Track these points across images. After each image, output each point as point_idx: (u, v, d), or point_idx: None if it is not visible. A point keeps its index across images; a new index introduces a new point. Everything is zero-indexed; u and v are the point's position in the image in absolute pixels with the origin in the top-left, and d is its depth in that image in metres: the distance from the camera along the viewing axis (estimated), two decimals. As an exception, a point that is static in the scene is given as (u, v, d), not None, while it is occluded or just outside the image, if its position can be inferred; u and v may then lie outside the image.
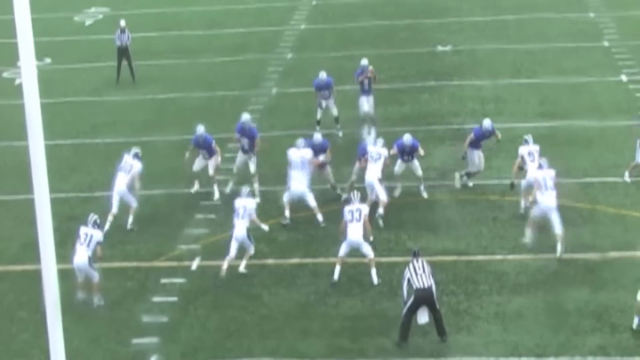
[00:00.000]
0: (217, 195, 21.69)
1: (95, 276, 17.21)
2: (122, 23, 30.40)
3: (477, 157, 21.56)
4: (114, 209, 20.38)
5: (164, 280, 18.11)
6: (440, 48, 31.94)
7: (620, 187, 21.20)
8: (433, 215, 20.29)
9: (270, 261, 18.70)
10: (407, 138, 21.22)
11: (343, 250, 17.85)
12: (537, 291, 17.10)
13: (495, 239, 19.17)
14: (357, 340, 15.87)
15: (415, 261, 15.97)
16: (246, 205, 18.39)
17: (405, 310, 15.64)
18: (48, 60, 32.37)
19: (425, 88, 28.28)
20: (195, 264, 18.67)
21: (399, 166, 21.41)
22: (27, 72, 10.53)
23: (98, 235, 17.33)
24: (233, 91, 28.77)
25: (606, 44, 31.48)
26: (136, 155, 20.89)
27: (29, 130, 10.59)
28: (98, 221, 17.56)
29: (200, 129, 21.86)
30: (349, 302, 17.00)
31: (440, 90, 28.04)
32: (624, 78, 28.11)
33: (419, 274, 15.68)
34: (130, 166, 20.65)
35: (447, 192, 21.42)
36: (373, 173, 20.30)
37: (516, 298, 16.93)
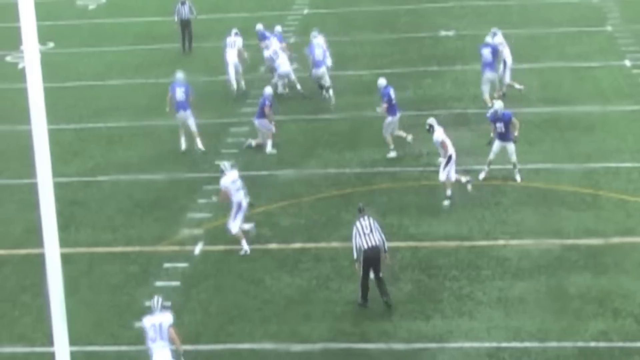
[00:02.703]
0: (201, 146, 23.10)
1: None
2: None
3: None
4: (233, 84, 26.40)
5: (166, 265, 18.14)
6: (443, 33, 31.87)
7: (623, 173, 21.19)
8: (435, 200, 20.27)
9: (272, 246, 18.71)
10: (499, 105, 20.75)
11: None
12: (539, 276, 17.11)
13: (497, 224, 19.17)
14: (359, 325, 15.90)
15: (361, 219, 16.24)
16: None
17: (361, 275, 16.10)
18: (51, 44, 32.33)
19: (428, 73, 28.23)
20: (197, 249, 18.69)
21: (496, 146, 20.83)
22: (30, 56, 10.53)
23: (168, 319, 14.05)
24: (236, 74, 28.65)
25: (609, 28, 31.40)
26: (237, 34, 27.07)
27: (32, 114, 10.59)
28: (163, 303, 14.30)
29: (179, 75, 23.40)
30: (351, 287, 17.01)
31: (443, 75, 27.99)
32: (627, 63, 28.03)
33: (366, 234, 16.02)
34: (234, 42, 26.78)
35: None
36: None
37: (518, 283, 16.94)
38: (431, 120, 20.60)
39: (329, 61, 26.83)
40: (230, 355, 15.36)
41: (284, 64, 26.47)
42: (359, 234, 16.09)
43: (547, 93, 26.25)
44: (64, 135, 24.34)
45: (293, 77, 26.65)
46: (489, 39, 25.40)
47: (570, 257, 17.75)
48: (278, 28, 28.18)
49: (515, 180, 20.78)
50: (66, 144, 23.86)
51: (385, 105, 22.68)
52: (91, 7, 37.70)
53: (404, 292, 16.80)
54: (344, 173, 21.84)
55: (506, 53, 25.52)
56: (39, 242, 11.34)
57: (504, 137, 20.83)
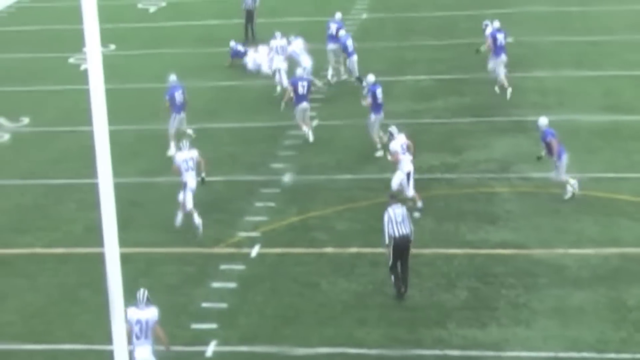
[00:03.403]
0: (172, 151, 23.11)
1: None
2: None
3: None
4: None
5: (223, 267, 18.24)
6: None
7: (685, 183, 20.87)
8: (493, 207, 20.15)
9: (328, 250, 18.73)
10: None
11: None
12: (598, 286, 16.89)
13: (556, 232, 18.98)
14: (414, 331, 15.84)
15: (394, 206, 16.68)
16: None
17: (390, 262, 16.57)
18: (112, 46, 32.74)
19: (487, 79, 28.01)
20: (254, 251, 18.77)
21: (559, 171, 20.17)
22: (93, 58, 10.65)
23: (154, 315, 13.96)
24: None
25: (672, 36, 30.98)
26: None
27: (94, 115, 10.71)
28: (148, 295, 14.12)
29: (173, 78, 23.93)
30: (407, 292, 16.95)
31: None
32: (690, 72, 27.64)
33: (398, 222, 16.46)
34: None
35: (508, 184, 21.25)
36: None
37: (577, 292, 16.74)
38: (392, 128, 20.50)
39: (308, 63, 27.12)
40: (285, 358, 15.39)
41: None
42: (391, 222, 16.46)
43: (608, 101, 25.94)
44: (124, 136, 24.59)
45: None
46: (497, 25, 26.76)
47: (630, 268, 17.50)
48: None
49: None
50: (126, 145, 24.12)
51: (369, 101, 22.59)
52: (152, 10, 38.12)
53: (460, 300, 16.70)
54: (401, 178, 21.76)
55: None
56: (99, 242, 11.48)
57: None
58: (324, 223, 19.79)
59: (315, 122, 25.01)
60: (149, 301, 13.98)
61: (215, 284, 17.60)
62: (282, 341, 15.73)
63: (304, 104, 24.05)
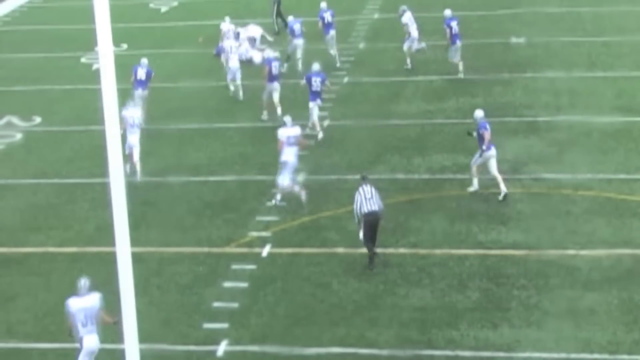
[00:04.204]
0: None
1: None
2: None
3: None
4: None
5: (234, 266, 18.25)
6: (514, 40, 31.58)
7: (698, 184, 20.79)
8: (504, 208, 20.10)
9: (340, 250, 18.72)
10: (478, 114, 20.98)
11: None
12: (610, 287, 16.84)
13: (567, 233, 18.93)
14: (426, 332, 15.82)
15: (364, 186, 17.97)
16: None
17: (361, 236, 17.81)
18: (124, 46, 32.78)
19: (499, 80, 28.01)
20: (265, 251, 18.78)
21: (476, 159, 20.80)
22: (105, 57, 10.68)
23: (97, 302, 14.18)
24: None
25: (685, 37, 30.87)
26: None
27: (106, 114, 10.75)
28: (89, 284, 14.30)
29: (144, 60, 26.11)
30: (418, 293, 16.96)
31: (513, 82, 27.74)
32: (703, 72, 27.54)
33: (368, 199, 17.79)
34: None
35: (520, 185, 21.20)
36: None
37: (589, 294, 16.70)
38: (286, 118, 21.19)
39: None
40: (296, 358, 15.40)
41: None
42: (362, 199, 17.81)
43: (621, 102, 25.85)
44: (136, 136, 24.61)
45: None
46: (447, 13, 28.49)
47: (643, 269, 17.45)
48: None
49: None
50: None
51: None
52: (164, 9, 38.16)
53: (472, 300, 16.67)
54: (412, 179, 21.77)
55: (413, 29, 29.25)
56: (111, 241, 11.50)
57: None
58: (335, 223, 19.79)
59: (326, 122, 25.02)
60: (90, 289, 14.15)
61: (227, 284, 17.61)
62: (293, 341, 15.73)
63: (275, 84, 25.25)
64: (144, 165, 22.49)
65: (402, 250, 18.52)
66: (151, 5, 39.20)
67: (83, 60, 32.21)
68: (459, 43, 28.23)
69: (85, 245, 19.33)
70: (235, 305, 16.90)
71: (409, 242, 18.78)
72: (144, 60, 26.24)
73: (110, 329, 15.48)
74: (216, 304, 16.94)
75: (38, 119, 27.06)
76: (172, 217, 20.53)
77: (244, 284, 17.59)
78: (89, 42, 30.04)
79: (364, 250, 18.44)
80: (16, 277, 18.39)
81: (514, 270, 17.58)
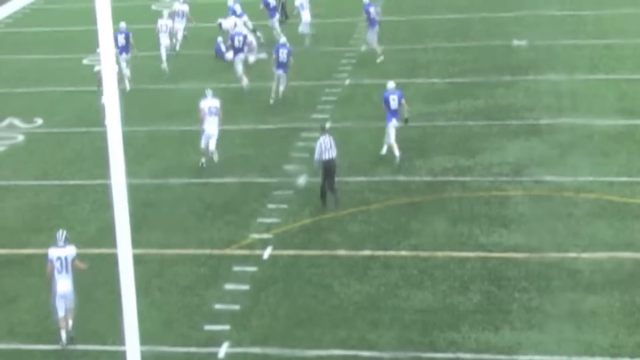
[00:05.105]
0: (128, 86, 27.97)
1: (73, 304, 15.92)
2: None
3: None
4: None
5: (236, 268, 18.24)
6: (515, 42, 31.57)
7: (700, 187, 20.77)
8: (506, 210, 20.10)
9: (341, 252, 18.71)
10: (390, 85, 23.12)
11: None
12: (612, 290, 16.82)
13: (569, 235, 18.91)
14: (428, 334, 15.80)
15: (324, 136, 20.38)
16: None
17: (321, 179, 20.37)
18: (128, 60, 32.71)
19: (500, 82, 28.00)
20: (267, 253, 18.77)
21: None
22: (106, 59, 10.66)
23: (72, 252, 15.80)
24: (307, 81, 28.81)
25: (687, 40, 30.84)
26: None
27: (107, 116, 10.73)
28: (67, 235, 15.93)
29: (122, 25, 28.30)
30: (419, 295, 16.95)
31: (515, 85, 27.74)
32: None
33: (327, 149, 20.19)
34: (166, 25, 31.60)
35: (521, 187, 21.18)
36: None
37: (590, 296, 16.68)
38: (207, 90, 23.35)
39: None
40: (299, 359, 15.38)
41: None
42: (321, 148, 20.21)
43: (623, 104, 25.83)
44: (138, 138, 24.66)
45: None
46: (366, 0, 30.45)
47: (644, 272, 17.43)
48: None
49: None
50: (140, 146, 24.18)
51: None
52: (166, 11, 38.07)
53: (473, 303, 16.66)
54: (413, 181, 21.76)
55: (305, 13, 32.21)
56: (113, 242, 11.48)
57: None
58: (336, 225, 19.79)
59: (328, 124, 25.00)
60: (67, 240, 15.81)
61: (228, 286, 17.61)
62: (294, 343, 15.72)
63: (241, 55, 28.14)
64: (145, 167, 22.49)
65: (403, 252, 18.51)
66: (153, 7, 39.19)
67: (85, 62, 32.22)
68: (376, 27, 30.18)
69: (87, 247, 19.28)
70: (236, 307, 16.89)
71: (411, 244, 18.76)
72: (122, 25, 27.83)
73: (112, 328, 15.52)
74: (217, 306, 16.94)
75: (40, 121, 27.06)
76: (174, 218, 20.53)
77: (245, 286, 17.58)
78: (91, 44, 30.01)
79: (366, 252, 18.47)
80: (18, 278, 18.39)
81: (515, 273, 17.56)
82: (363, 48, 30.95)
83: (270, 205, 20.83)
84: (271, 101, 27.08)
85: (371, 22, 30.25)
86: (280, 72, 26.95)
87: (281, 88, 27.06)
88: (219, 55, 31.70)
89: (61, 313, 15.78)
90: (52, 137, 26.00)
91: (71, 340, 15.86)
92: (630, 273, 17.40)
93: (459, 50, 31.17)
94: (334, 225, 19.78)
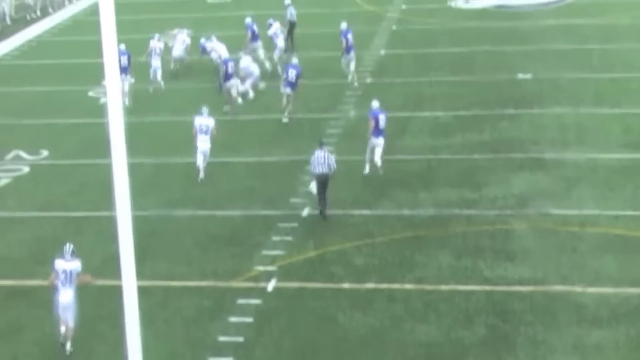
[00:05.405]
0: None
1: (74, 317, 16.39)
2: (288, 1, 36.47)
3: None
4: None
5: (240, 301, 18.19)
6: (520, 75, 31.67)
7: None
8: (511, 244, 20.06)
9: (346, 285, 18.67)
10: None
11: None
12: (618, 325, 16.73)
13: (574, 269, 18.86)
14: (432, 368, 15.73)
15: (318, 151, 21.73)
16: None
17: (314, 190, 21.80)
18: (132, 79, 32.87)
19: (505, 115, 28.04)
20: (271, 285, 18.74)
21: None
22: (112, 91, 10.72)
23: (77, 267, 16.53)
24: (312, 114, 28.90)
25: (692, 74, 30.89)
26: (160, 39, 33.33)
27: (113, 148, 10.77)
28: (74, 249, 16.68)
29: (122, 46, 29.07)
30: (424, 329, 16.88)
31: (520, 118, 27.78)
32: None
33: (321, 163, 21.55)
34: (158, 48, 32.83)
35: (526, 220, 21.16)
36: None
37: (596, 331, 16.60)
38: (203, 108, 24.64)
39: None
40: (302, 393, 15.32)
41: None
42: (315, 162, 21.63)
43: (628, 138, 25.83)
44: (143, 169, 24.68)
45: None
46: (343, 26, 31.80)
47: (650, 306, 17.35)
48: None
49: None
50: (145, 178, 24.19)
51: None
52: (171, 44, 38.23)
53: (478, 336, 16.59)
54: (418, 214, 21.74)
55: (279, 40, 33.64)
56: (117, 273, 11.48)
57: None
58: (341, 258, 19.76)
59: (333, 157, 25.02)
60: (74, 254, 16.53)
61: (232, 318, 17.55)
62: (298, 376, 15.65)
63: (232, 81, 29.57)
64: (150, 199, 22.53)
65: (407, 285, 18.46)
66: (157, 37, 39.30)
67: (90, 94, 32.34)
68: (352, 54, 31.40)
69: (92, 278, 19.26)
70: (240, 339, 16.83)
71: (415, 277, 18.72)
72: (122, 46, 28.50)
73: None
74: (222, 338, 16.87)
75: (45, 152, 27.14)
76: (178, 250, 20.52)
77: (250, 318, 17.53)
78: (96, 76, 30.18)
79: (370, 285, 18.46)
80: (23, 309, 18.36)
81: (520, 306, 17.50)
82: (355, 84, 31.41)
83: (275, 238, 20.81)
84: (284, 119, 28.07)
85: (348, 48, 31.35)
86: (287, 90, 28.09)
87: (290, 107, 28.21)
88: (204, 53, 32.75)
89: (62, 327, 16.36)
90: (58, 168, 26.07)
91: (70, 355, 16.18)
92: (636, 307, 17.32)
93: (463, 83, 31.27)
94: (338, 258, 19.75)
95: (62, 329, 16.32)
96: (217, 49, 33.07)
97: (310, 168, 21.84)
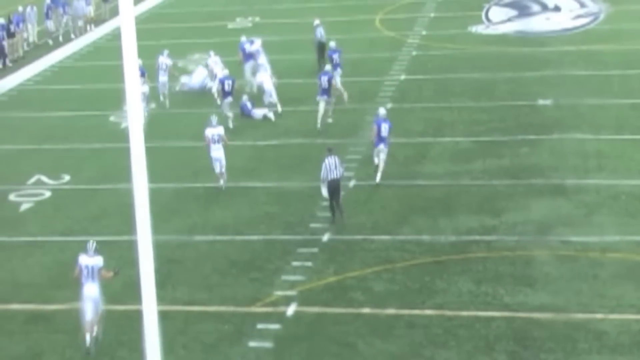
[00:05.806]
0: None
1: (100, 308, 17.50)
2: (317, 21, 36.89)
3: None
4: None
5: (259, 326, 18.19)
6: (540, 101, 31.62)
7: None
8: (531, 271, 19.98)
9: (365, 310, 18.63)
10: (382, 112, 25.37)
11: None
12: (639, 352, 16.61)
13: (595, 296, 18.75)
14: (452, 395, 15.65)
15: (329, 158, 22.50)
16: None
17: (325, 194, 22.46)
18: (152, 105, 33.10)
19: (525, 141, 27.98)
20: (291, 311, 18.72)
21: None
22: (133, 116, 10.79)
23: (99, 263, 17.59)
24: (332, 139, 28.85)
25: None
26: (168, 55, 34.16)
27: (133, 173, 10.82)
28: (97, 247, 17.78)
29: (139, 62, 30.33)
30: (444, 355, 16.81)
31: (540, 144, 27.70)
32: None
33: (332, 170, 22.27)
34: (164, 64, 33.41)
35: (546, 247, 21.07)
36: None
37: (617, 358, 16.49)
38: (212, 117, 25.48)
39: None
40: (321, 419, 15.27)
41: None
42: (327, 169, 22.30)
43: (648, 164, 25.73)
44: (163, 194, 24.78)
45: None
46: (332, 45, 33.39)
47: (672, 334, 17.22)
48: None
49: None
50: (165, 203, 24.29)
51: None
52: (190, 68, 38.46)
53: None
54: (438, 240, 21.69)
55: (262, 59, 34.13)
56: (138, 299, 11.51)
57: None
58: (361, 283, 19.73)
59: (352, 183, 25.08)
60: (97, 251, 17.49)
61: (252, 343, 17.54)
62: (318, 402, 15.60)
63: (229, 99, 30.59)
64: (170, 224, 22.58)
65: (428, 311, 18.40)
66: (180, 64, 39.52)
67: (112, 119, 32.54)
68: (339, 70, 32.39)
69: (112, 303, 19.28)
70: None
71: (435, 304, 18.66)
72: (139, 62, 30.05)
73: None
74: (241, 364, 16.87)
75: (67, 177, 27.29)
76: (198, 275, 20.55)
77: (269, 344, 17.51)
78: (117, 101, 30.38)
79: (391, 311, 18.41)
80: (43, 334, 18.42)
81: (541, 334, 17.41)
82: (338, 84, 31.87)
83: (295, 263, 20.82)
84: (318, 126, 29.34)
85: (335, 66, 32.10)
86: (324, 98, 29.50)
87: (329, 112, 29.69)
88: (245, 112, 31.89)
89: (88, 317, 17.11)
90: (79, 193, 26.19)
91: (96, 341, 16.82)
92: (657, 335, 17.21)
93: (484, 109, 31.24)
94: (358, 284, 19.73)
95: (88, 321, 17.11)
96: (214, 67, 33.96)
97: (321, 175, 22.42)
